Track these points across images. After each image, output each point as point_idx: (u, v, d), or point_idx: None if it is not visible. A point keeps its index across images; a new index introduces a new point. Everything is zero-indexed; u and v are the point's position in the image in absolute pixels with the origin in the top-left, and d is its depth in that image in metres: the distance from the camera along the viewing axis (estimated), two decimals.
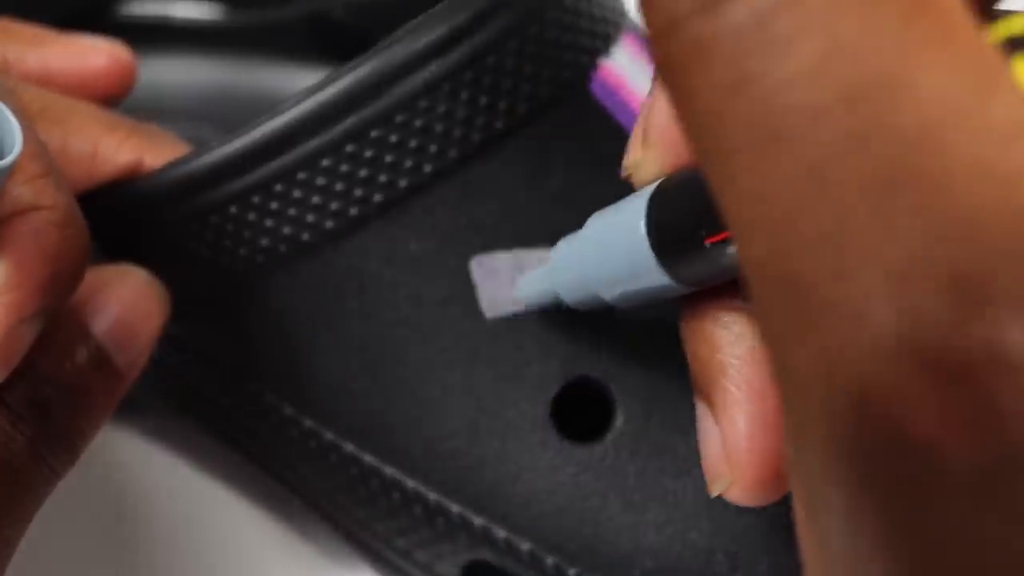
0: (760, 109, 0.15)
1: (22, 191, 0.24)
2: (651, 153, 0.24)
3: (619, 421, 0.30)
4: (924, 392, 0.14)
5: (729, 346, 0.23)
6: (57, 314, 0.26)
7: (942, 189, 0.14)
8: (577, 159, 0.31)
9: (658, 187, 0.23)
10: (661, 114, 0.23)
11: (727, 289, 0.23)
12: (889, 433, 0.14)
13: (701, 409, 0.24)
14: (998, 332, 0.14)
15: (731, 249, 0.21)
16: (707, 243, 0.21)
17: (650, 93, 0.24)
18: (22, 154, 0.22)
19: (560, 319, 0.30)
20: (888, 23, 0.14)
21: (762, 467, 0.23)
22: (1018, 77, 0.15)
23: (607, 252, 0.25)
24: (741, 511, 0.29)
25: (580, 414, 0.30)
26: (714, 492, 0.24)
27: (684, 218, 0.22)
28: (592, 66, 0.32)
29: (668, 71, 0.16)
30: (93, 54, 0.32)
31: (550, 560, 0.30)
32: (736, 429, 0.23)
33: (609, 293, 0.25)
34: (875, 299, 0.14)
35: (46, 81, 0.32)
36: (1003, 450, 0.14)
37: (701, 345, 0.24)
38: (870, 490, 0.15)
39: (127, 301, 0.29)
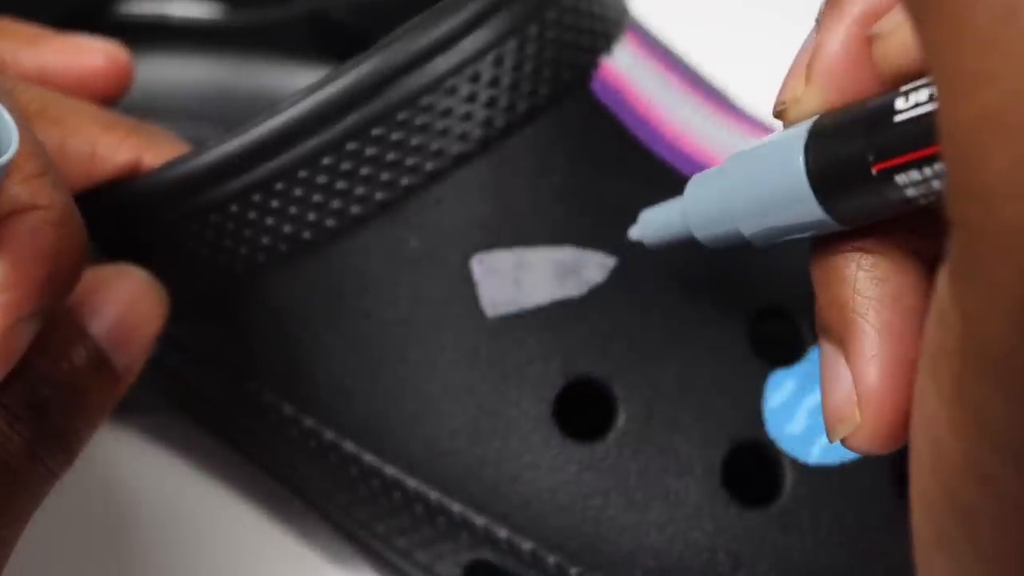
0: None
1: (19, 190, 0.24)
2: (813, 89, 0.24)
3: (621, 420, 0.30)
4: None
5: (870, 287, 0.23)
6: (54, 314, 0.25)
7: None
8: (578, 158, 0.31)
9: (817, 122, 0.23)
10: (829, 51, 0.23)
11: (868, 231, 0.23)
12: None
13: (830, 352, 0.24)
14: None
15: (899, 177, 0.21)
16: (875, 171, 0.21)
17: (815, 31, 0.24)
18: (19, 153, 0.22)
19: (560, 319, 0.30)
20: None
21: (894, 413, 0.23)
22: None
23: (756, 187, 0.25)
24: (743, 510, 0.29)
25: (582, 413, 0.30)
26: (836, 436, 0.24)
27: (851, 147, 0.22)
28: (593, 64, 0.32)
29: None
30: (90, 54, 0.32)
31: (552, 559, 0.30)
32: (871, 373, 0.23)
33: (752, 227, 0.25)
34: None
35: (43, 81, 0.32)
36: None
37: (838, 286, 0.24)
38: None
39: (126, 301, 0.28)
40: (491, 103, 0.30)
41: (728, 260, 0.29)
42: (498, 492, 0.30)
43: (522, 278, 0.30)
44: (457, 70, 0.30)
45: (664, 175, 0.31)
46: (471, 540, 0.30)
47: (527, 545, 0.30)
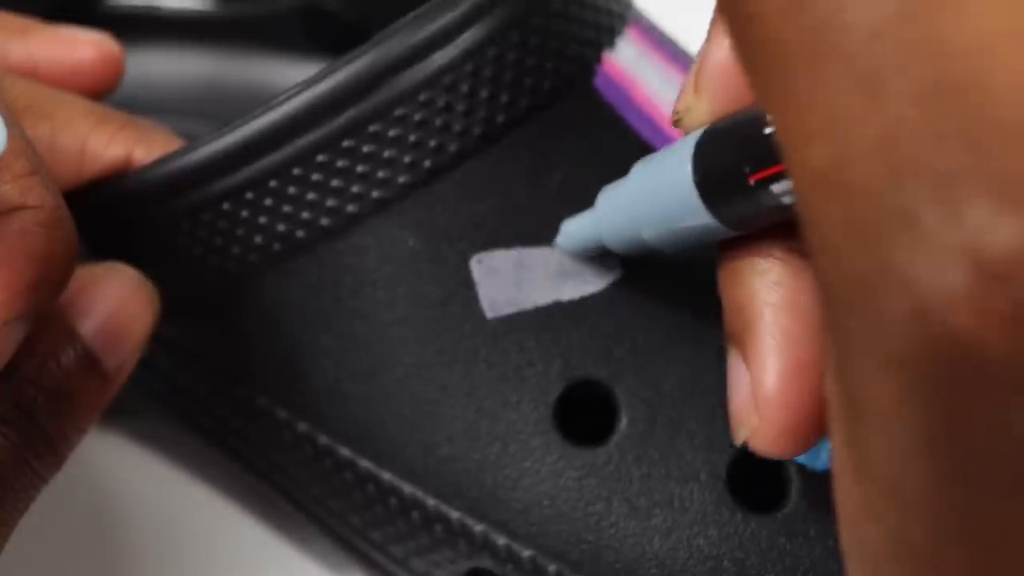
0: (821, 27, 0.16)
1: (8, 190, 0.24)
2: (702, 98, 0.25)
3: (623, 424, 0.29)
4: (968, 289, 0.15)
5: (765, 292, 0.24)
6: (43, 315, 0.25)
7: (989, 101, 0.15)
8: (579, 155, 0.31)
9: (705, 131, 0.24)
10: (714, 61, 0.25)
11: (766, 236, 0.24)
12: (935, 329, 0.15)
13: (733, 356, 0.25)
14: None
15: (775, 187, 0.22)
16: (751, 181, 0.22)
17: (705, 40, 0.25)
18: (8, 151, 0.22)
19: (561, 320, 0.30)
20: None
21: (790, 415, 0.23)
22: None
23: (653, 194, 0.26)
24: (749, 517, 0.29)
25: (583, 417, 0.30)
26: (738, 439, 0.24)
27: (729, 158, 0.23)
28: (596, 59, 0.31)
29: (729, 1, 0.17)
30: (80, 46, 0.32)
31: (552, 568, 0.29)
32: (767, 375, 0.23)
33: (653, 235, 0.26)
34: (926, 205, 0.15)
35: (32, 73, 0.31)
36: None
37: (737, 290, 0.24)
38: (918, 389, 0.16)
39: (115, 301, 0.28)
40: (492, 99, 0.30)
41: None
42: (497, 498, 0.29)
43: (522, 279, 0.30)
44: (457, 65, 0.30)
45: None
46: (469, 548, 0.30)
47: (527, 553, 0.29)
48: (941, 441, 0.16)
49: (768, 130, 0.22)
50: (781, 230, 0.23)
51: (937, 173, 0.15)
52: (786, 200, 0.22)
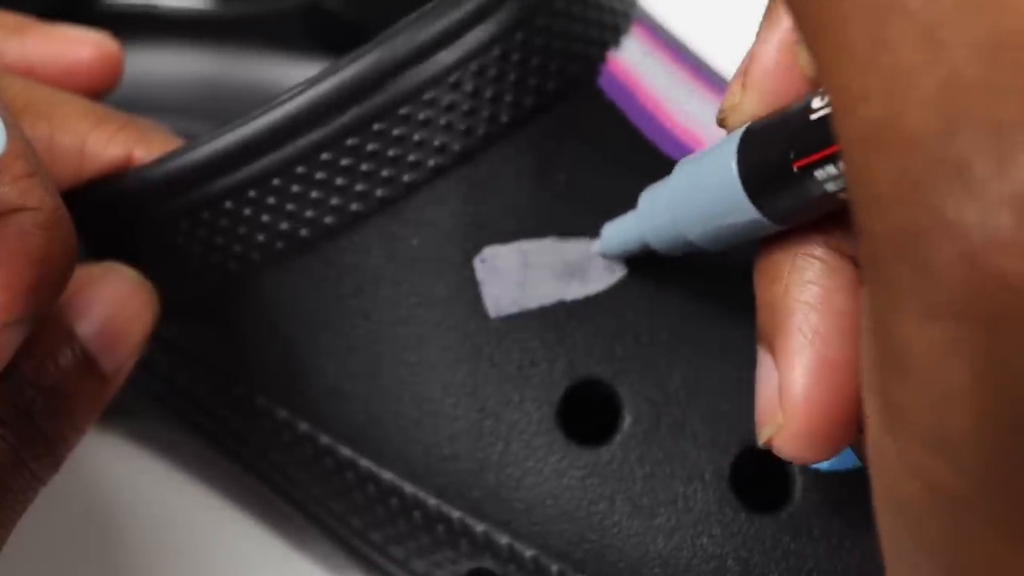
0: None
1: (7, 191, 0.24)
2: (750, 96, 0.25)
3: (627, 423, 0.29)
4: (1019, 234, 0.15)
5: (799, 290, 0.24)
6: (43, 316, 0.25)
7: None
8: (584, 155, 0.31)
9: (748, 128, 0.24)
10: (763, 59, 0.25)
11: (806, 234, 0.24)
12: (986, 277, 0.16)
13: (762, 354, 0.24)
14: None
15: (818, 172, 0.22)
16: (795, 168, 0.22)
17: (755, 40, 0.25)
18: (7, 152, 0.22)
19: (565, 320, 0.30)
20: None
21: (816, 416, 0.23)
22: None
23: (697, 193, 0.26)
24: (753, 516, 0.29)
25: (587, 416, 0.30)
26: (762, 438, 0.24)
27: (774, 149, 0.23)
28: (601, 59, 0.31)
29: None
30: (79, 44, 0.32)
31: (555, 567, 0.29)
32: (795, 374, 0.23)
33: (698, 233, 0.26)
34: (979, 154, 0.15)
35: (30, 73, 0.31)
36: None
37: (770, 287, 0.24)
38: (967, 335, 0.16)
39: (114, 301, 0.28)
40: (496, 98, 0.30)
41: (735, 260, 0.29)
42: (499, 498, 0.29)
43: (526, 278, 0.30)
44: (461, 64, 0.30)
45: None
46: (471, 548, 0.30)
47: (529, 553, 0.29)
48: (989, 388, 0.16)
49: (814, 116, 0.22)
50: (821, 228, 0.24)
51: (991, 123, 0.15)
52: (830, 187, 0.22)
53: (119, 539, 0.35)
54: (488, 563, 0.30)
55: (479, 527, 0.30)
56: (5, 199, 0.23)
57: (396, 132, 0.29)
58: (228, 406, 0.32)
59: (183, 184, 0.30)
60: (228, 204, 0.30)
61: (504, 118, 0.30)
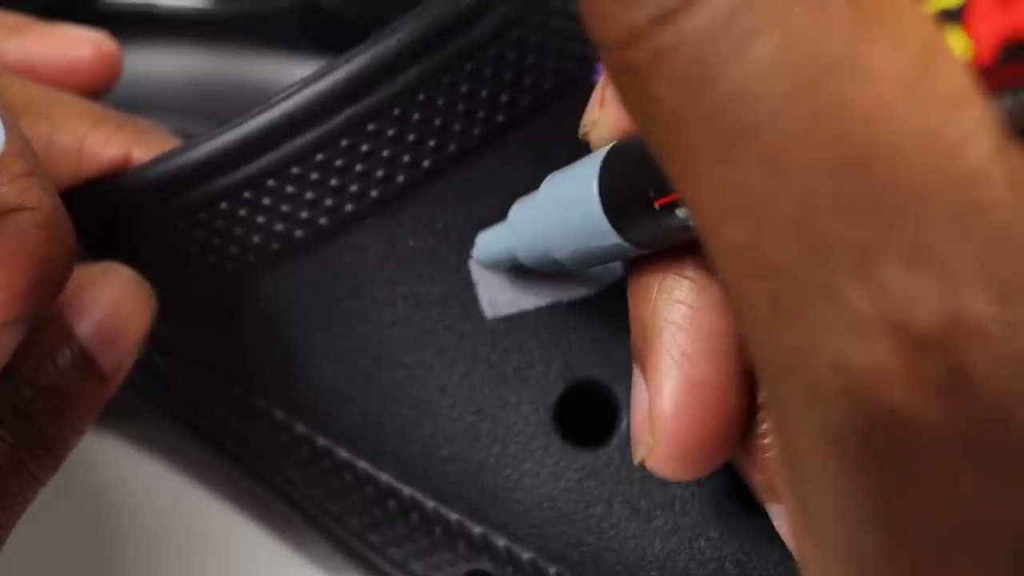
0: (722, 106, 0.16)
1: (6, 191, 0.23)
2: (608, 113, 0.24)
3: (624, 425, 0.29)
4: (897, 362, 0.15)
5: (668, 310, 0.23)
6: (41, 316, 0.25)
7: (894, 165, 0.15)
8: (579, 155, 0.30)
9: (611, 149, 0.24)
10: None
11: (673, 254, 0.23)
12: (869, 404, 0.15)
13: (636, 373, 0.24)
14: (961, 303, 0.14)
15: (680, 211, 0.21)
16: (656, 205, 0.22)
17: None
18: (6, 152, 0.22)
19: (561, 321, 0.30)
20: (836, 8, 0.15)
21: (685, 436, 0.23)
22: (953, 48, 0.16)
23: (561, 212, 0.25)
24: (751, 518, 0.29)
25: (584, 417, 0.30)
26: (636, 459, 0.24)
27: (634, 180, 0.22)
28: (597, 58, 0.31)
29: (626, 80, 0.17)
30: (77, 44, 0.32)
31: (553, 570, 0.29)
32: (663, 395, 0.23)
33: (562, 252, 0.26)
34: (845, 278, 0.15)
35: (28, 72, 0.31)
36: (972, 414, 0.15)
37: (641, 307, 0.24)
38: (859, 462, 0.16)
39: (112, 301, 0.28)
40: (492, 98, 0.30)
41: None
42: (497, 499, 0.29)
43: (522, 279, 0.30)
44: (456, 63, 0.29)
45: None
46: (468, 550, 0.30)
47: (527, 555, 0.29)
48: (889, 509, 0.16)
49: None
50: (691, 247, 0.23)
51: (852, 247, 0.15)
52: (692, 223, 0.21)
53: (118, 540, 0.35)
54: (486, 565, 0.30)
55: (477, 529, 0.29)
56: (4, 199, 0.23)
57: (391, 132, 0.29)
58: (226, 407, 0.32)
59: (180, 185, 0.30)
60: (224, 205, 0.30)
61: (500, 118, 0.30)
